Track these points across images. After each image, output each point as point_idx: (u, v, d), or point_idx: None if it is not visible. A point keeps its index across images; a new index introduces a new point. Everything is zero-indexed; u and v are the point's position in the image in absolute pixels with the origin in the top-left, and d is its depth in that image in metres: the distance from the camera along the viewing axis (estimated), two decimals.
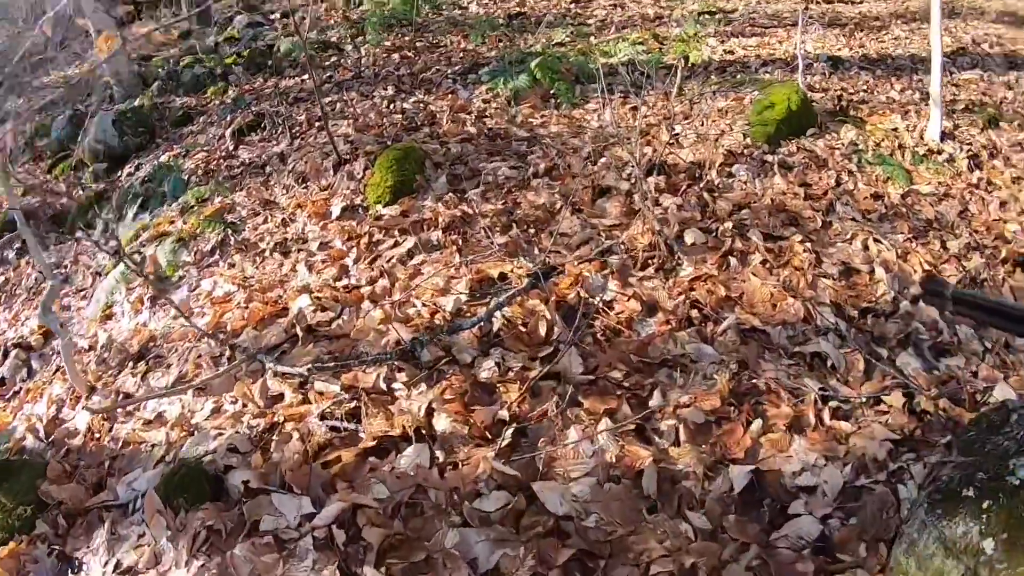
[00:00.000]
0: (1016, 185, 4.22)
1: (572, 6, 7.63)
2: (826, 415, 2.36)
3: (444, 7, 7.91)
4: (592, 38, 6.55)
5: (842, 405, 2.42)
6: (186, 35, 8.22)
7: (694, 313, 2.74)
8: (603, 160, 3.91)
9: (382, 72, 5.95)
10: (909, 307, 2.92)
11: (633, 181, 3.49)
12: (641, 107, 4.32)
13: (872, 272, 3.06)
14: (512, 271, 3.04)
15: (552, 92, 5.16)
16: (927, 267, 3.16)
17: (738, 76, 5.30)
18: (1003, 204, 3.95)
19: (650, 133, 4.22)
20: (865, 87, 5.29)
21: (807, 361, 2.59)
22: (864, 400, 2.45)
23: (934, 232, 3.50)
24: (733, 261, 3.01)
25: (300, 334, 2.70)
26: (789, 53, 5.92)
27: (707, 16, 7.09)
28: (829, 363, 2.59)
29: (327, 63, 6.36)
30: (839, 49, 6.29)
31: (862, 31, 6.95)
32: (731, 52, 6.02)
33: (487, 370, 2.52)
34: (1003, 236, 3.66)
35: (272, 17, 8.46)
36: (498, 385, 2.47)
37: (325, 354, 2.62)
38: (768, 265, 3.00)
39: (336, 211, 3.72)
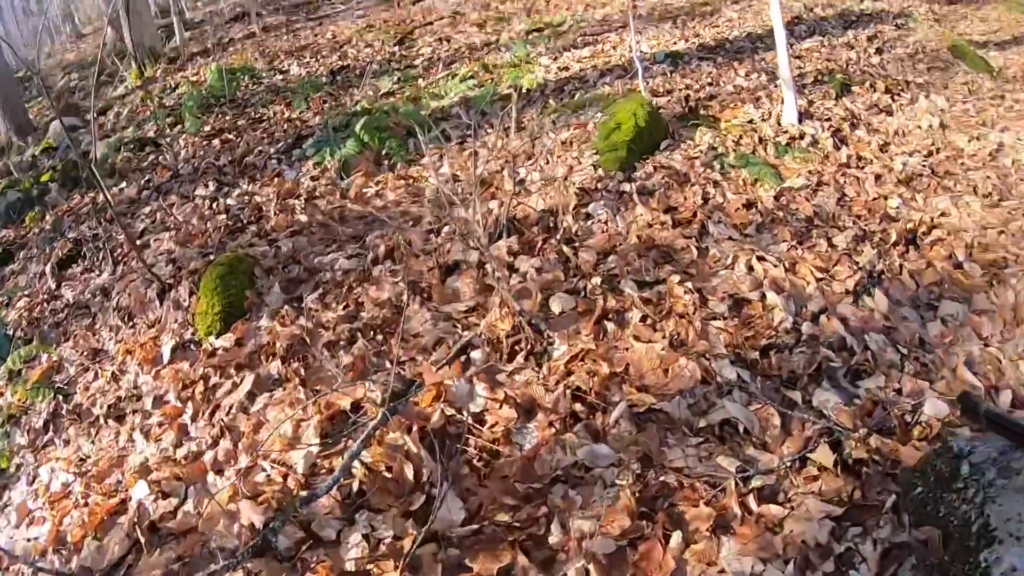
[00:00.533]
0: (884, 153, 4.24)
1: (397, 49, 7.42)
2: (752, 501, 2.08)
3: (264, 75, 7.51)
4: (421, 80, 6.33)
5: (766, 480, 2.15)
6: (1, 151, 7.44)
7: (578, 406, 2.42)
8: (447, 229, 3.59)
9: (202, 165, 5.46)
10: (811, 328, 2.73)
11: (483, 251, 3.17)
12: (480, 150, 4.05)
13: (764, 298, 2.86)
14: (365, 398, 2.66)
15: (384, 152, 4.83)
16: (819, 275, 3.00)
17: (577, 96, 5.17)
18: (878, 178, 3.92)
19: (493, 184, 3.95)
20: (710, 80, 5.27)
21: (716, 434, 2.32)
22: (789, 464, 2.20)
23: (817, 230, 3.38)
24: (610, 326, 2.73)
25: (143, 539, 2.33)
26: (625, 58, 5.88)
27: (536, 34, 7.03)
28: (741, 428, 2.33)
29: (144, 164, 5.81)
30: (675, 43, 6.33)
31: (694, 19, 7.08)
32: (566, 68, 5.92)
33: (355, 547, 2.12)
34: (887, 215, 3.60)
35: (88, 118, 7.78)
36: (370, 567, 2.07)
37: (174, 562, 2.23)
38: (649, 321, 2.73)
39: (167, 353, 3.33)
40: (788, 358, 2.60)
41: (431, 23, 8.13)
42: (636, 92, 4.96)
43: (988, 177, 4.21)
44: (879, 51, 6.28)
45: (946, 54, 6.76)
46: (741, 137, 4.24)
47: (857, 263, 3.12)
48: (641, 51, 5.89)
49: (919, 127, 4.79)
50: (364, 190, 4.45)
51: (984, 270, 3.30)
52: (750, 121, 4.51)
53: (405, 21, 8.39)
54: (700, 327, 2.67)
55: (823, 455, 2.19)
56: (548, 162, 4.11)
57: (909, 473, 2.05)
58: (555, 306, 2.87)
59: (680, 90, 5.07)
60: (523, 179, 3.98)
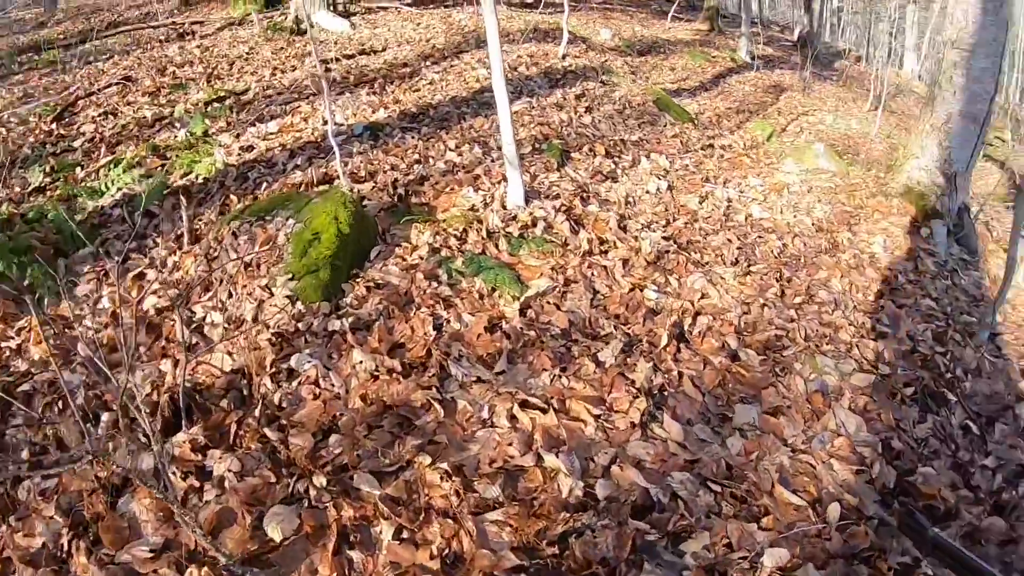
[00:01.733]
0: (625, 232, 4.24)
1: (54, 126, 6.14)
2: None
3: None
4: (79, 169, 5.22)
5: None
6: None
7: None
8: (105, 418, 2.73)
9: None
10: (606, 488, 2.39)
11: (156, 457, 2.39)
12: (147, 272, 3.23)
13: (540, 460, 2.46)
14: None
15: (28, 283, 3.74)
16: (596, 411, 2.71)
17: (264, 187, 4.57)
18: (626, 263, 3.87)
19: (161, 331, 3.18)
20: (417, 156, 5.01)
21: None
22: None
23: (578, 346, 3.14)
24: (355, 555, 2.12)
25: None
26: (319, 132, 5.43)
27: (217, 105, 6.31)
28: None
29: None
30: (374, 113, 6.04)
31: (393, 83, 6.90)
32: (250, 148, 5.29)
33: None
34: (648, 309, 3.51)
35: None
36: None
37: None
38: (406, 533, 2.18)
39: None
40: (593, 543, 2.21)
41: (97, 91, 6.98)
42: (334, 178, 4.51)
43: (730, 241, 4.42)
44: (589, 109, 6.61)
45: (652, 107, 7.37)
46: (465, 232, 3.96)
47: (633, 382, 2.90)
48: (337, 123, 5.49)
49: (648, 191, 4.96)
50: (1, 344, 3.35)
51: (762, 356, 3.31)
52: (472, 208, 4.27)
53: (68, 89, 7.12)
54: (474, 528, 2.18)
55: None
56: (232, 295, 3.43)
57: None
58: (273, 531, 2.19)
59: (385, 171, 4.71)
60: (200, 324, 3.25)
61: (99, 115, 6.37)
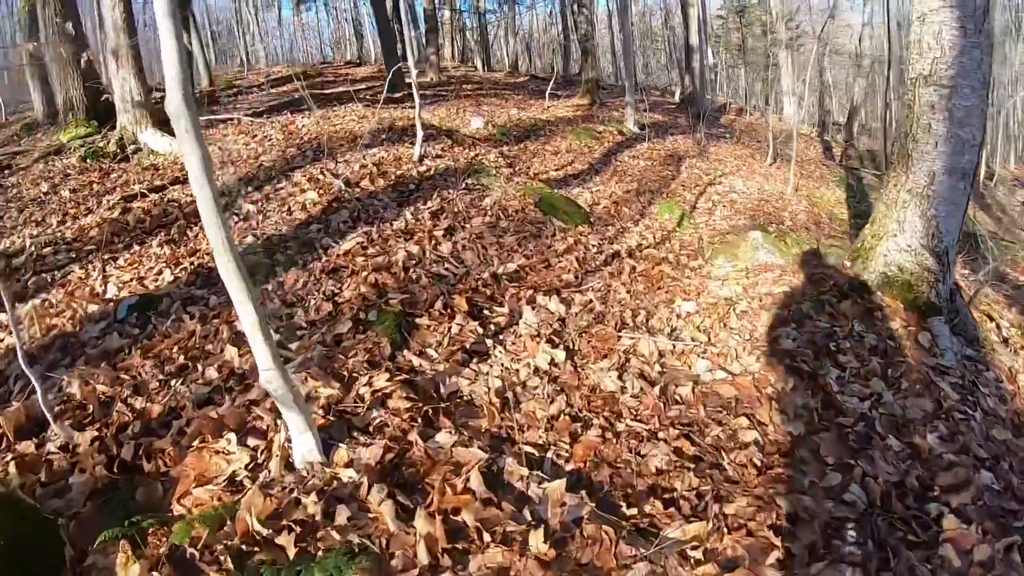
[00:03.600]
0: (495, 490, 2.31)
1: None
2: None
3: None
4: None
5: None
6: None
7: None
8: None
9: None
10: None
11: None
12: None
13: None
14: None
15: None
16: None
17: None
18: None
19: None
20: (185, 357, 3.03)
21: None
22: None
23: None
24: None
25: None
26: (80, 314, 3.42)
27: None
28: None
29: None
30: (158, 275, 4.19)
31: (198, 223, 4.95)
32: None
33: None
34: None
35: None
36: None
37: None
38: None
39: None
40: None
41: None
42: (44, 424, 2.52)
43: (679, 455, 2.54)
44: (449, 232, 4.75)
45: (533, 212, 5.59)
46: (211, 550, 1.97)
47: None
48: (104, 298, 3.51)
49: (535, 371, 3.07)
50: None
51: None
52: (232, 481, 2.30)
53: None
54: None
55: None
56: None
57: None
58: None
59: (121, 404, 2.71)
60: None
61: None
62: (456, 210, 5.23)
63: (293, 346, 3.06)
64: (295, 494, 2.23)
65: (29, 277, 4.49)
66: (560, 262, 4.63)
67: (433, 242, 4.54)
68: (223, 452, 2.47)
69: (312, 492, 2.23)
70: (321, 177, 5.64)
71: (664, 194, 7.79)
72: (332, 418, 2.55)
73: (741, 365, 3.28)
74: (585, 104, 12.50)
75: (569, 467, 2.48)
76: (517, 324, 3.47)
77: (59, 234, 5.12)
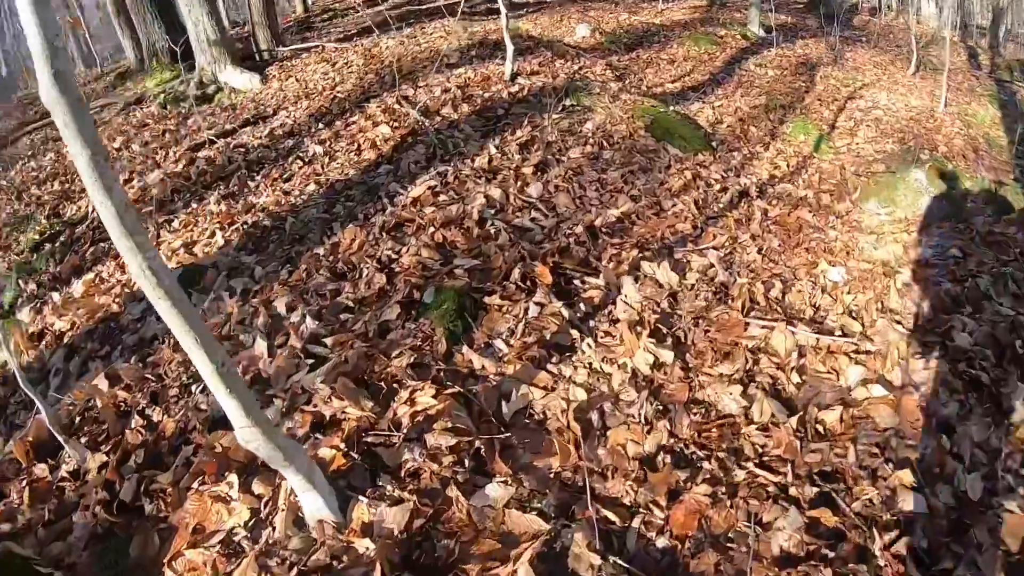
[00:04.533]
0: None
1: None
2: None
3: None
4: None
5: None
6: None
7: None
8: None
9: None
10: None
11: None
12: None
13: None
14: None
15: None
16: None
17: None
18: None
19: None
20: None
21: None
22: None
23: None
24: None
25: None
26: (125, 294, 2.99)
27: (47, 247, 4.43)
28: None
29: None
30: (210, 238, 3.69)
31: (259, 173, 4.51)
32: (41, 335, 2.95)
33: None
34: None
35: None
36: None
37: None
38: None
39: None
40: None
41: None
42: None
43: (815, 522, 1.77)
44: (540, 168, 3.95)
45: (644, 138, 4.68)
46: None
47: None
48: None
49: (633, 379, 2.31)
50: None
51: None
52: (229, 543, 1.73)
53: None
54: None
55: None
56: None
57: None
58: None
59: (128, 434, 2.24)
60: None
61: None
62: (549, 140, 4.40)
63: (329, 341, 2.42)
64: (294, 572, 1.63)
65: (87, 248, 4.09)
66: (675, 206, 3.76)
67: (519, 182, 3.76)
68: (224, 498, 1.89)
69: (318, 571, 1.63)
70: (397, 107, 4.90)
71: (797, 110, 6.60)
72: (356, 456, 1.91)
73: (905, 373, 2.40)
74: (703, 5, 11.03)
75: (661, 542, 1.75)
76: (614, 304, 2.69)
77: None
